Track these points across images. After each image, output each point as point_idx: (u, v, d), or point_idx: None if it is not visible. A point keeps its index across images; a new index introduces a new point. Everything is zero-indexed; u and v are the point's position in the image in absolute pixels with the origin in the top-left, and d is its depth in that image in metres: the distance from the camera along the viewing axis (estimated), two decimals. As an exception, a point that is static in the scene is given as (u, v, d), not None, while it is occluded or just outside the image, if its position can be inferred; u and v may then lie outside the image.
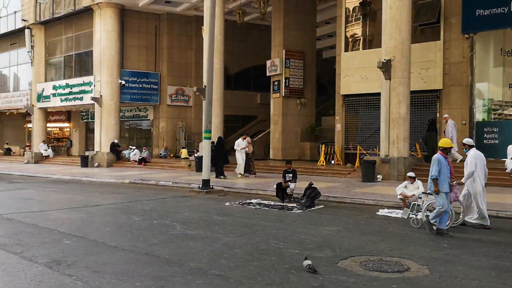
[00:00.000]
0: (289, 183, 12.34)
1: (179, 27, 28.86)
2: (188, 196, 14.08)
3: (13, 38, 34.56)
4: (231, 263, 6.26)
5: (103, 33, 26.82)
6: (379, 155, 16.89)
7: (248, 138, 18.47)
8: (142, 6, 26.79)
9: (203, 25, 23.25)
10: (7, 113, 37.31)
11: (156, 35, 28.90)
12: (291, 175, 12.47)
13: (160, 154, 27.87)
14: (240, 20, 24.32)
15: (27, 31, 31.43)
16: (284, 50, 23.42)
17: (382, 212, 10.73)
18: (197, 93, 22.44)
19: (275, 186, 12.57)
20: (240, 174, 18.16)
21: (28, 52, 31.77)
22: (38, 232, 8.32)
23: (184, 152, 26.40)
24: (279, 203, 12.05)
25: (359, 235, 8.23)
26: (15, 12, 33.19)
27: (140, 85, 28.21)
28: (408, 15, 16.22)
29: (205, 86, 21.77)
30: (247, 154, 17.62)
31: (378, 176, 15.94)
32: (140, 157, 25.53)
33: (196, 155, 22.04)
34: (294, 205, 11.70)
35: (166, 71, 28.84)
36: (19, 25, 32.69)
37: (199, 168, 20.70)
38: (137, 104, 29.41)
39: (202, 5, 24.62)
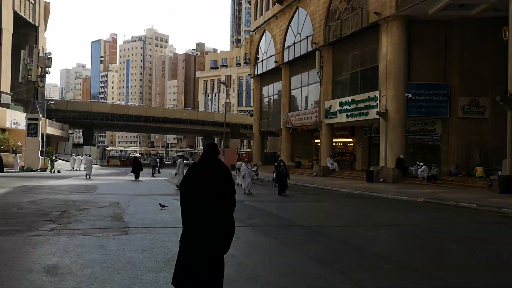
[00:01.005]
0: None
1: (472, 32, 26.11)
2: (502, 222, 11.93)
3: (304, 61, 37.92)
4: None
5: (389, 47, 26.49)
6: None
7: None
8: (431, 14, 25.24)
9: (505, 26, 20.24)
10: (298, 130, 41.07)
11: (446, 43, 26.88)
12: None
13: (450, 171, 25.51)
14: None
15: (317, 53, 33.86)
16: None
17: None
18: (500, 103, 19.62)
19: None
20: None
21: (317, 72, 34.15)
22: (352, 251, 7.97)
23: (479, 170, 23.46)
24: None
25: None
26: (307, 37, 36.39)
27: (428, 98, 26.63)
28: None
29: (510, 94, 18.89)
30: None
31: None
32: (429, 174, 23.87)
33: (499, 174, 19.14)
34: None
35: (456, 81, 26.44)
36: (310, 48, 35.69)
37: (504, 190, 17.91)
38: (423, 117, 27.85)
39: (504, 4, 21.54)
